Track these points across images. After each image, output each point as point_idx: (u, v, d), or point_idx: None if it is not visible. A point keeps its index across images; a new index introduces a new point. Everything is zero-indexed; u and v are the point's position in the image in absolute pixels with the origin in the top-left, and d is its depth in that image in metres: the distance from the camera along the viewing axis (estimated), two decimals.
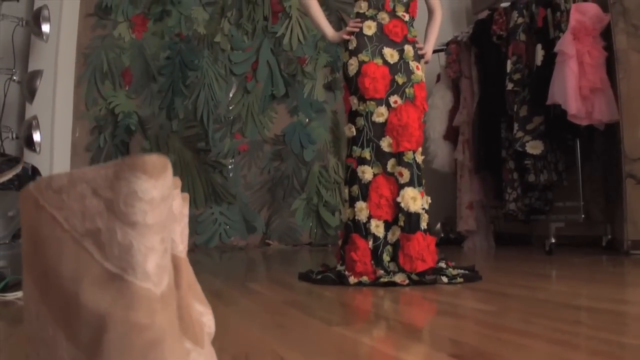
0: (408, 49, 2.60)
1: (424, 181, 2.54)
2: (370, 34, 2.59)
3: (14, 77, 4.09)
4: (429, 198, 2.56)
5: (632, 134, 3.42)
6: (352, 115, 2.61)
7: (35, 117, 4.04)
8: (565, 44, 3.51)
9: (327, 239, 4.96)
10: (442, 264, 2.56)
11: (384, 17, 2.60)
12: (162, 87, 4.93)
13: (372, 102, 2.52)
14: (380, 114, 2.52)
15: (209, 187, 4.91)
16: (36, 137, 4.01)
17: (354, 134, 2.58)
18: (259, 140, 5.16)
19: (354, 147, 2.58)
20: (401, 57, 2.58)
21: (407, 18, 2.63)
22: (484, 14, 5.07)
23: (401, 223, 2.45)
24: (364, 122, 2.55)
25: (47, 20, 4.13)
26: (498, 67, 4.10)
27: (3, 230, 2.39)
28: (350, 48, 2.61)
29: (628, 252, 3.33)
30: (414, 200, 2.45)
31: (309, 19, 2.83)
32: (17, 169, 2.82)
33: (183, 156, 4.89)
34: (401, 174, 2.47)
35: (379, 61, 2.55)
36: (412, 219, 2.44)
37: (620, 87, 3.48)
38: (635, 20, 3.45)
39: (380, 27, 2.60)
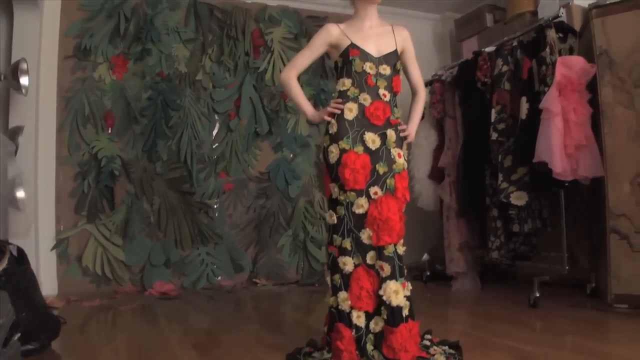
0: (390, 133, 2.54)
1: (405, 271, 2.51)
2: (351, 118, 2.53)
3: None
4: (410, 284, 2.54)
5: (617, 190, 3.48)
6: (333, 203, 2.57)
7: (18, 175, 3.98)
8: (551, 101, 3.53)
9: (313, 275, 4.98)
10: (427, 342, 2.58)
11: (365, 98, 2.54)
12: (145, 129, 4.87)
13: (352, 193, 2.48)
14: (360, 206, 2.47)
15: (195, 228, 4.89)
16: (19, 194, 3.96)
17: (335, 222, 2.55)
18: (244, 179, 5.14)
19: (335, 236, 2.54)
20: (383, 143, 2.52)
21: (388, 98, 2.57)
22: (469, 54, 5.11)
23: (384, 316, 2.45)
24: (344, 211, 2.50)
25: (26, 72, 4.06)
26: (482, 112, 4.13)
27: None
28: (330, 132, 2.56)
29: (612, 305, 3.40)
30: (396, 293, 2.43)
31: (289, 95, 2.77)
32: (4, 263, 2.77)
33: (168, 198, 4.86)
34: (382, 268, 2.44)
35: (359, 149, 2.49)
36: (394, 312, 2.43)
37: (605, 142, 3.53)
38: (621, 74, 3.50)
39: (361, 109, 2.54)
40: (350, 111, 2.54)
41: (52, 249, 4.60)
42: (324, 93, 5.35)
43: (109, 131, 4.82)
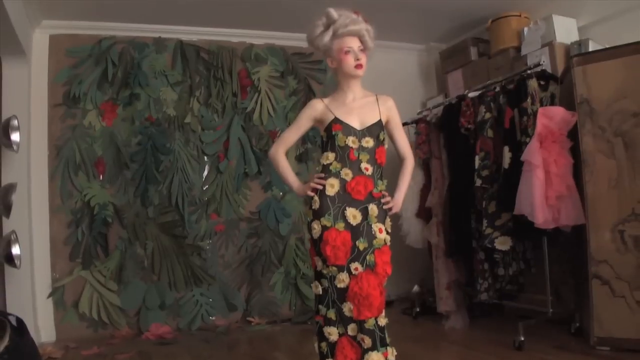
0: (372, 208, 2.61)
1: (388, 339, 2.60)
2: (333, 194, 2.61)
3: None
4: (394, 349, 2.63)
5: (598, 236, 3.56)
6: (318, 275, 2.67)
7: (13, 232, 4.06)
8: (531, 154, 3.62)
9: (306, 312, 5.05)
10: None
11: (347, 173, 2.62)
12: (136, 175, 4.93)
13: (333, 268, 2.57)
14: (342, 280, 2.55)
15: (188, 270, 4.96)
16: (15, 250, 4.03)
17: (320, 293, 2.64)
18: (235, 219, 5.21)
19: (320, 306, 2.65)
20: (365, 218, 2.59)
21: (370, 171, 2.63)
22: (454, 87, 5.22)
23: None
24: (328, 284, 2.60)
25: (17, 129, 4.12)
26: (466, 157, 4.20)
27: None
28: (313, 208, 2.64)
29: (594, 347, 3.50)
30: None
31: (277, 170, 2.87)
32: (5, 340, 2.84)
33: (161, 242, 4.93)
34: (363, 340, 2.54)
35: (340, 226, 2.57)
36: None
37: (586, 190, 3.61)
38: (602, 122, 3.57)
39: (343, 184, 2.61)
40: (332, 187, 2.62)
41: (49, 296, 4.67)
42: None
43: (101, 178, 4.89)
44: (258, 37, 5.48)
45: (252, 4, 4.80)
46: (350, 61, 2.68)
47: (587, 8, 4.54)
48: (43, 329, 4.56)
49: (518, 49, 4.74)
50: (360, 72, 2.71)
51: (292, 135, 2.88)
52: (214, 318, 5.00)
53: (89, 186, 4.83)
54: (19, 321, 3.18)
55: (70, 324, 4.68)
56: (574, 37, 4.44)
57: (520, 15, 4.83)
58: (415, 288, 5.17)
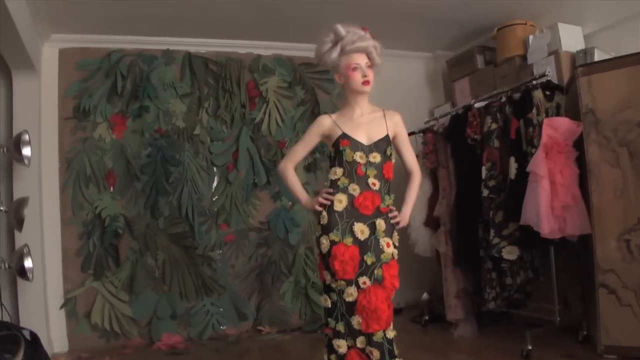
0: (380, 223, 2.66)
1: (396, 351, 2.64)
2: (341, 210, 2.67)
3: (1, 207, 4.15)
4: None
5: (604, 246, 3.59)
6: (327, 289, 2.72)
7: (26, 245, 4.12)
8: (537, 165, 3.65)
9: (316, 320, 5.09)
10: None
11: (355, 188, 2.68)
12: (146, 186, 4.99)
13: (342, 282, 2.62)
14: (350, 294, 2.61)
15: (198, 280, 5.02)
16: (27, 264, 4.08)
17: (329, 306, 2.70)
18: (245, 229, 5.26)
19: (329, 319, 2.71)
20: (372, 233, 2.65)
21: (377, 186, 2.68)
22: (461, 95, 5.24)
23: None
24: (337, 297, 2.66)
25: (28, 143, 4.17)
26: (473, 167, 4.24)
27: None
28: (322, 223, 2.70)
29: (602, 355, 3.53)
30: None
31: (286, 184, 2.96)
32: (20, 355, 2.89)
33: (172, 253, 4.99)
34: (372, 353, 2.59)
35: (348, 241, 2.62)
36: None
37: (592, 200, 3.64)
38: (607, 132, 3.60)
39: (351, 199, 2.67)
40: (340, 202, 2.68)
41: (61, 307, 4.73)
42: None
43: (111, 190, 4.95)
44: (266, 48, 5.53)
45: (259, 15, 4.84)
46: (357, 78, 2.73)
47: (592, 16, 4.54)
48: (56, 339, 4.62)
49: (524, 57, 4.74)
50: (367, 88, 2.75)
51: (300, 151, 2.94)
52: (224, 327, 5.05)
53: (100, 198, 4.89)
54: (33, 335, 3.23)
55: (83, 335, 4.74)
56: (580, 45, 4.44)
57: (526, 24, 4.83)
58: (425, 296, 5.20)
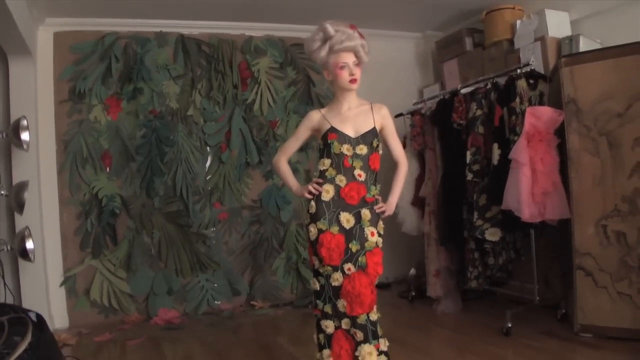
0: (365, 212, 2.79)
1: (380, 332, 2.80)
2: (328, 200, 2.79)
3: (1, 191, 4.27)
4: (386, 340, 2.83)
5: (582, 230, 3.75)
6: (315, 273, 2.87)
7: (27, 228, 4.25)
8: (519, 152, 3.78)
9: (307, 295, 5.28)
10: None
11: (341, 179, 2.79)
12: (141, 167, 5.11)
13: (329, 267, 2.77)
14: (336, 279, 2.75)
15: (193, 257, 5.19)
16: (29, 245, 4.23)
17: (318, 289, 2.86)
18: (237, 207, 5.41)
19: (318, 301, 2.87)
20: (358, 222, 2.77)
21: (363, 177, 2.80)
22: (450, 76, 5.34)
23: None
24: (324, 281, 2.81)
25: (26, 129, 4.26)
26: (458, 150, 4.37)
27: None
28: (310, 212, 2.83)
29: (578, 333, 3.73)
30: (370, 354, 2.73)
31: (280, 175, 3.11)
32: (28, 337, 3.04)
33: (167, 231, 5.14)
34: (356, 334, 2.76)
35: (335, 229, 2.75)
36: None
37: (572, 186, 3.78)
38: (587, 122, 3.72)
39: (337, 190, 2.79)
40: (327, 193, 2.81)
41: (61, 285, 4.90)
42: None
43: (107, 170, 5.07)
44: (257, 29, 5.59)
45: None
46: (345, 76, 2.82)
47: (580, 2, 4.60)
48: (56, 316, 4.80)
49: (511, 41, 4.83)
50: (354, 86, 2.84)
51: (292, 145, 3.06)
52: (219, 302, 5.24)
53: (97, 179, 5.01)
54: (39, 317, 3.39)
55: (82, 311, 4.92)
56: (567, 31, 4.53)
57: (514, 8, 4.90)
58: (412, 271, 5.37)
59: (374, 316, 2.79)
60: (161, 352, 4.06)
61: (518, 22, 4.74)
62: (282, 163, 3.05)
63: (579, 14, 4.63)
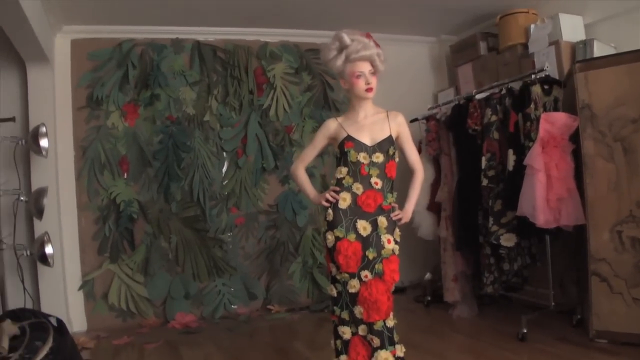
0: (381, 220, 2.81)
1: (397, 338, 2.84)
2: (345, 207, 2.82)
3: (21, 197, 4.35)
4: (403, 346, 2.85)
5: (597, 236, 3.74)
6: (333, 280, 2.91)
7: (46, 233, 4.32)
8: (534, 158, 3.79)
9: (323, 300, 5.32)
10: None
11: (358, 187, 2.83)
12: (158, 172, 5.17)
13: (346, 274, 2.80)
14: (353, 286, 2.79)
15: (210, 261, 5.24)
16: (48, 250, 4.30)
17: (335, 295, 2.89)
18: (254, 212, 5.46)
19: (335, 307, 2.90)
20: (374, 229, 2.80)
21: (380, 185, 2.83)
22: (464, 80, 5.34)
23: None
24: (341, 288, 2.85)
25: (45, 135, 4.34)
26: (474, 156, 4.38)
27: None
28: (328, 219, 2.86)
29: (593, 339, 3.72)
30: None
31: (297, 183, 3.18)
32: (49, 342, 3.11)
33: (184, 235, 5.20)
34: (373, 340, 2.79)
35: (352, 237, 2.79)
36: None
37: (587, 192, 3.78)
38: (602, 127, 3.71)
39: (354, 198, 2.83)
40: (344, 201, 2.84)
41: (79, 289, 4.97)
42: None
43: (125, 176, 5.14)
44: (272, 35, 5.64)
45: (266, 3, 4.91)
46: (361, 85, 2.85)
47: (594, 6, 4.59)
48: (75, 320, 4.87)
49: (526, 45, 4.82)
50: (370, 95, 2.87)
51: (309, 154, 3.11)
52: (235, 307, 5.29)
53: (114, 184, 5.08)
54: (59, 322, 3.46)
55: (100, 315, 4.99)
56: (581, 35, 4.52)
57: (528, 12, 4.90)
58: (428, 276, 5.39)
59: (390, 322, 2.82)
60: (178, 355, 4.11)
61: (532, 26, 4.74)
62: (300, 171, 3.10)
63: (593, 17, 4.62)
